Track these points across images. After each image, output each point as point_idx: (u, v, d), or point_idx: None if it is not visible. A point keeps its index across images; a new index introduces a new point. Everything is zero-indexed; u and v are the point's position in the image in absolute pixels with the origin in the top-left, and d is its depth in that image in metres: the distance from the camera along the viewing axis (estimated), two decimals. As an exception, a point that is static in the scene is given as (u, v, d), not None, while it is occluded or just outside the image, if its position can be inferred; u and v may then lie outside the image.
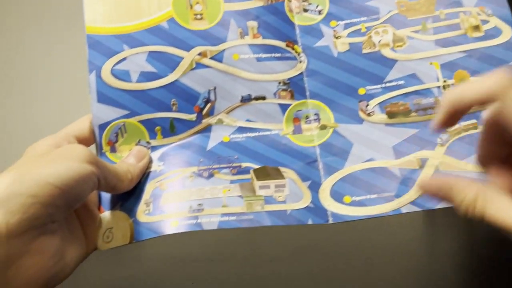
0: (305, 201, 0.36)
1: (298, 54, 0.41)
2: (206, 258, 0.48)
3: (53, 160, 0.30)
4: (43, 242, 0.28)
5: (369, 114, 0.38)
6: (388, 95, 0.38)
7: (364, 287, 0.41)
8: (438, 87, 0.38)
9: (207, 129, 0.38)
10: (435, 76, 0.38)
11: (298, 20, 0.42)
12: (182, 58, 0.39)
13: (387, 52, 0.39)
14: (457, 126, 0.37)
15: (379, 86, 0.39)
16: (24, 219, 0.27)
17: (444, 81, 0.38)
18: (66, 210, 0.30)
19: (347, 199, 0.36)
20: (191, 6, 0.40)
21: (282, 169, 0.37)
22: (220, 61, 0.39)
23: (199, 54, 0.39)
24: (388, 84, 0.39)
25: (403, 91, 0.38)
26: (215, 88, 0.39)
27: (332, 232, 0.56)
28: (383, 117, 0.38)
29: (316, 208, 0.36)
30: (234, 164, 0.37)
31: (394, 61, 0.39)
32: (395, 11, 0.40)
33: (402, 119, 0.38)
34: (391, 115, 0.38)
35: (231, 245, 0.52)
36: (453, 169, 0.36)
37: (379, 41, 0.40)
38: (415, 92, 0.38)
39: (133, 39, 0.39)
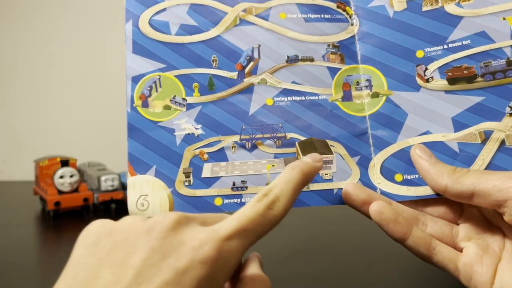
0: (353, 178, 0.34)
1: (350, 16, 0.37)
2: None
3: None
4: None
5: (427, 80, 0.35)
6: (451, 57, 0.34)
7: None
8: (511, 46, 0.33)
9: (249, 89, 0.36)
10: (508, 33, 0.33)
11: None
12: (225, 13, 0.37)
13: (452, 8, 0.35)
14: None
15: (440, 47, 0.35)
16: None
17: None
18: None
19: (398, 177, 0.34)
20: None
21: (329, 142, 0.35)
22: (266, 19, 0.37)
23: (244, 10, 0.37)
24: (451, 45, 0.34)
25: (468, 52, 0.34)
26: (259, 46, 0.36)
27: (332, 233, 0.56)
28: (443, 83, 0.34)
29: (365, 186, 0.34)
30: (279, 134, 0.35)
31: (459, 18, 0.34)
32: None
33: (465, 85, 0.34)
34: (452, 80, 0.34)
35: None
36: None
37: (443, -5, 0.35)
38: (484, 53, 0.33)
39: None
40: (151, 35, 0.36)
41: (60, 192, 0.67)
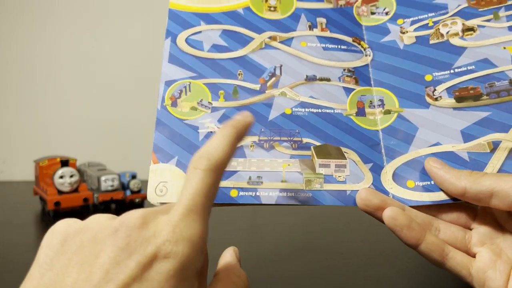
0: (366, 182, 0.35)
1: (364, 49, 0.42)
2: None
3: None
4: None
5: (436, 99, 0.37)
6: (457, 80, 0.37)
7: (364, 287, 0.40)
8: None
9: (270, 99, 0.39)
10: (509, 59, 0.37)
11: (365, 21, 0.43)
12: (252, 39, 0.42)
13: (456, 41, 0.39)
14: None
15: (447, 72, 0.38)
16: None
17: None
18: None
19: (410, 183, 0.35)
20: (267, 0, 0.43)
21: (343, 149, 0.37)
22: (289, 45, 0.42)
23: (269, 37, 0.42)
24: (457, 70, 0.38)
25: (473, 76, 0.37)
26: (281, 66, 0.41)
27: (332, 232, 0.55)
28: (451, 101, 0.37)
29: (378, 190, 0.35)
30: (295, 139, 0.37)
31: (463, 49, 0.38)
32: (464, 5, 0.40)
33: (472, 102, 0.36)
34: (459, 99, 0.37)
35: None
36: None
37: (447, 32, 0.40)
38: (487, 76, 0.37)
39: (210, 18, 0.43)
40: (186, 50, 0.41)
41: (60, 192, 0.67)
